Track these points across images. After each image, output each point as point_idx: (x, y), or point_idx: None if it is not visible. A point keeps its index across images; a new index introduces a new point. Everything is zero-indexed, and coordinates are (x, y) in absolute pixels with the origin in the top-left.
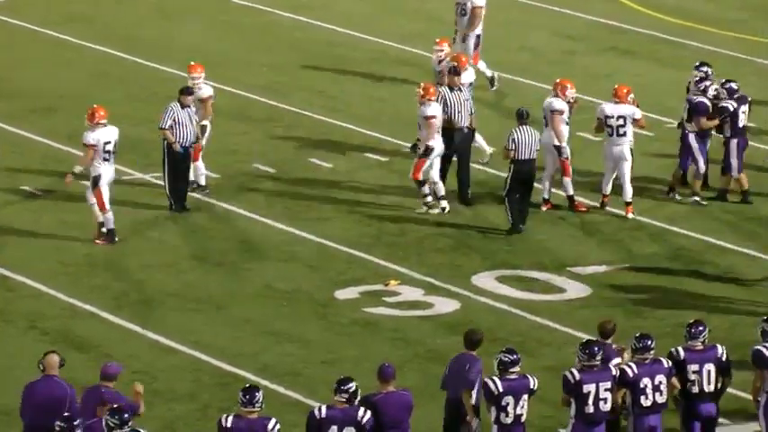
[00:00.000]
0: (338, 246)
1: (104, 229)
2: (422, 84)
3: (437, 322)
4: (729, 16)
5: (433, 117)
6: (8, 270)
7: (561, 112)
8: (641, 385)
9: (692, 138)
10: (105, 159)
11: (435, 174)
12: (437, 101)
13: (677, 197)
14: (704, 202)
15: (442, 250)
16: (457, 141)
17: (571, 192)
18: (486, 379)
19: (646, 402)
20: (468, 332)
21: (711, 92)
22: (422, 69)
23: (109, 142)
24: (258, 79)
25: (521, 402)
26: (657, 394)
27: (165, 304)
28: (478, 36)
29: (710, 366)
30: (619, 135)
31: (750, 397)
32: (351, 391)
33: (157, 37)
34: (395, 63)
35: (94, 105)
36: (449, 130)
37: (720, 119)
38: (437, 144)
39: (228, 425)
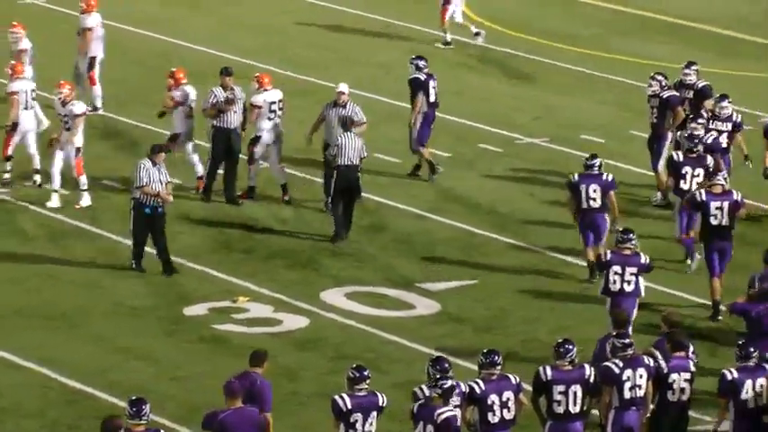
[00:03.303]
0: (187, 262)
1: None
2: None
3: (286, 339)
4: (581, 32)
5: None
6: None
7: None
8: (489, 402)
9: None
10: None
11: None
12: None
13: None
14: None
15: (292, 267)
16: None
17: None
18: (335, 396)
19: (493, 419)
20: (615, 313)
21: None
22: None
23: None
24: (103, 93)
25: (369, 419)
26: (505, 411)
27: (13, 321)
28: (93, 58)
29: (577, 387)
30: (274, 119)
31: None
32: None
33: None
34: (236, 77)
35: None
36: None
37: None
38: (23, 120)
39: None
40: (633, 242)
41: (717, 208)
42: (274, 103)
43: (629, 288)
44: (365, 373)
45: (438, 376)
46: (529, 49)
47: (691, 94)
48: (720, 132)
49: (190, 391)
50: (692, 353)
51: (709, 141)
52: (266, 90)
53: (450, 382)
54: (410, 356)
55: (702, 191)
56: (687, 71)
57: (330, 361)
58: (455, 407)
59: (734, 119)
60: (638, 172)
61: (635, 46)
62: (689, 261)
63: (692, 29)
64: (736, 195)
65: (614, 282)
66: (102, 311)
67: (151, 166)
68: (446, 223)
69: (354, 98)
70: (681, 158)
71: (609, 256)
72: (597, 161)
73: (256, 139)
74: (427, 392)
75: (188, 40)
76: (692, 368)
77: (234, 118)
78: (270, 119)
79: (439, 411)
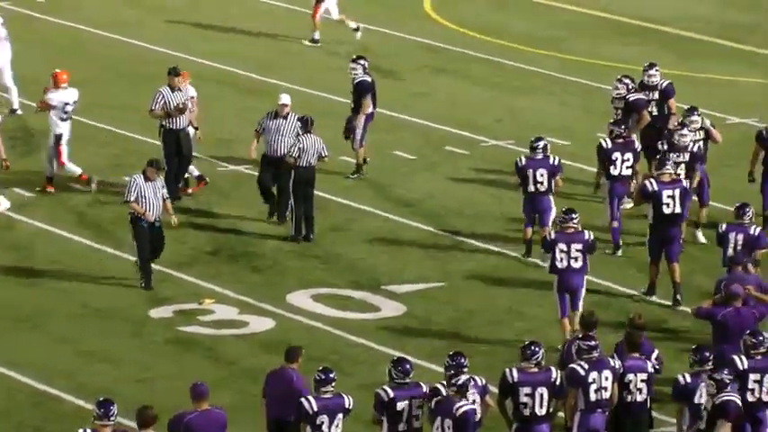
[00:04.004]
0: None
1: None
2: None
3: (252, 341)
4: (544, 35)
5: None
6: None
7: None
8: None
9: None
10: None
11: None
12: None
13: None
14: None
15: (257, 269)
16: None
17: None
18: (301, 399)
19: None
20: (583, 314)
21: None
22: (234, 86)
23: None
24: None
25: (335, 421)
26: None
27: None
28: None
29: (543, 390)
30: None
31: None
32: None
33: None
34: (205, 81)
35: None
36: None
37: None
38: None
39: None
40: (575, 221)
41: (669, 196)
42: (68, 103)
43: (576, 265)
44: (331, 376)
45: (399, 377)
46: (493, 52)
47: (656, 95)
48: (695, 143)
49: (156, 393)
50: (656, 358)
51: (695, 150)
52: (61, 89)
53: (464, 377)
54: (375, 358)
55: (653, 180)
56: (651, 72)
57: None
58: (473, 401)
59: (705, 126)
60: None
61: (598, 48)
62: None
63: (654, 31)
64: (686, 183)
65: (561, 260)
66: (67, 313)
67: (143, 182)
68: (412, 225)
69: (315, 99)
70: (609, 145)
71: (553, 235)
72: (541, 143)
73: (60, 138)
74: (392, 394)
75: (149, 43)
76: (650, 369)
77: (182, 119)
78: (63, 119)
79: (458, 405)
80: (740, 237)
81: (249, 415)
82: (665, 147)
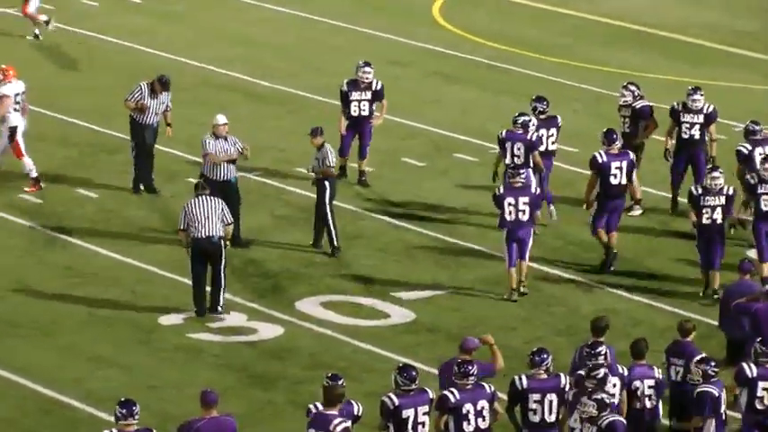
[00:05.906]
0: (161, 271)
1: None
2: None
3: (261, 348)
4: (552, 42)
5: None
6: None
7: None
8: (463, 411)
9: None
10: None
11: None
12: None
13: None
14: None
15: (266, 275)
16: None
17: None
18: (309, 405)
19: (468, 428)
20: (594, 320)
21: None
22: (244, 93)
23: None
24: (81, 104)
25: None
26: (480, 420)
27: None
28: None
29: (553, 396)
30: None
31: None
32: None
33: None
34: (214, 87)
35: None
36: None
37: None
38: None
39: None
40: (523, 176)
41: (617, 167)
42: (18, 94)
43: (524, 217)
44: (340, 383)
45: (405, 384)
46: (501, 59)
47: (700, 118)
48: None
49: (165, 401)
50: (697, 361)
51: (730, 194)
52: (10, 82)
53: (602, 371)
54: (385, 366)
55: (602, 152)
56: (695, 97)
57: (305, 370)
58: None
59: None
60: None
61: (606, 55)
62: (551, 211)
63: (662, 37)
64: (632, 155)
65: (510, 213)
66: (77, 320)
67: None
68: (421, 232)
69: (326, 107)
70: (534, 122)
71: (502, 190)
72: (521, 119)
73: (15, 131)
74: (397, 402)
75: (163, 50)
76: (657, 375)
77: (150, 116)
78: (15, 110)
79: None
80: None
81: (258, 422)
82: (699, 191)
